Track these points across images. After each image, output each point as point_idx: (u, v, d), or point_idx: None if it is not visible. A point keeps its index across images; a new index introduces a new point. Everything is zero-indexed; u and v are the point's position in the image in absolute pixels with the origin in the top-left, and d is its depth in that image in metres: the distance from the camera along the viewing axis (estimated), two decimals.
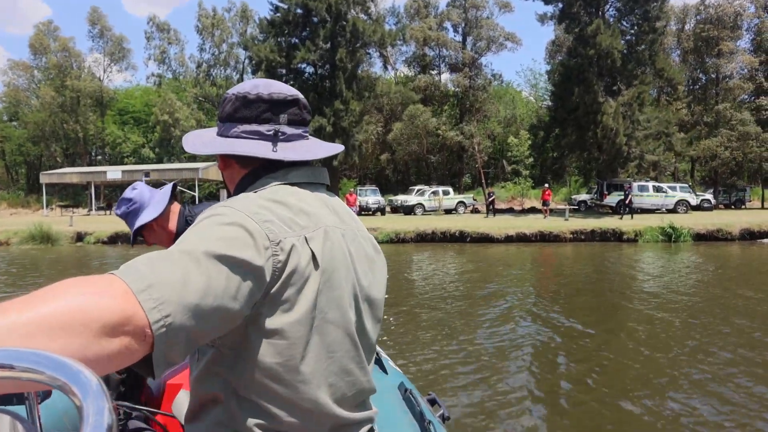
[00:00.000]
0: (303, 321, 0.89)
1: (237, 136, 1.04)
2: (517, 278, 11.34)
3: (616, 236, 19.02)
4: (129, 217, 2.03)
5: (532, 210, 30.78)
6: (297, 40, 29.81)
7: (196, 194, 37.24)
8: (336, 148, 1.13)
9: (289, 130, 1.05)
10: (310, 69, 31.11)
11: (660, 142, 26.92)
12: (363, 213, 26.77)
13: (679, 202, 26.57)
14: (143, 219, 2.00)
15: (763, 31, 35.71)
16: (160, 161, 48.97)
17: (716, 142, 33.04)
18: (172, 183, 2.18)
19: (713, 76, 36.49)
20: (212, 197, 44.22)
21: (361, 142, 28.22)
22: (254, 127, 1.03)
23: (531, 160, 38.36)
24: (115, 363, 0.64)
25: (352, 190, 23.06)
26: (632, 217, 22.77)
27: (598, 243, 18.81)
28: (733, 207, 33.22)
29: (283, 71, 30.54)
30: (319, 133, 27.05)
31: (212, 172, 37.95)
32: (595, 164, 28.69)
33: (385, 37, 29.06)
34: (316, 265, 0.91)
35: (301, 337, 0.90)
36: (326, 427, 0.96)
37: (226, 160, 1.08)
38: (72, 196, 47.16)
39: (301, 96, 1.09)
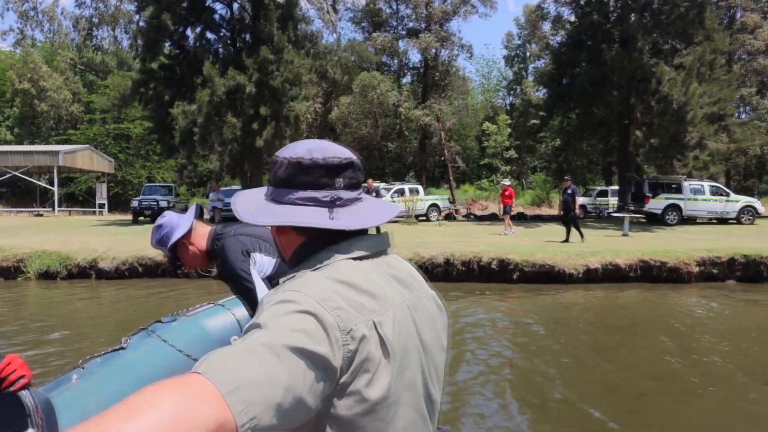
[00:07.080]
0: (376, 410, 0.86)
1: (293, 203, 0.99)
2: None
3: None
4: (163, 242, 2.17)
5: (525, 217, 22.57)
6: None
7: (56, 188, 26.25)
8: (393, 208, 1.07)
9: (346, 195, 1.00)
10: (223, 9, 21.39)
11: (716, 127, 19.58)
12: None
13: (743, 210, 19.40)
14: (174, 237, 2.14)
15: None
16: (20, 144, 36.91)
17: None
18: (195, 204, 2.28)
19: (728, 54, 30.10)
20: (119, 195, 32.86)
21: (298, 113, 18.83)
22: (310, 193, 0.99)
23: (512, 152, 30.48)
24: None
25: None
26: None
27: (740, 283, 10.74)
28: None
29: (183, 11, 20.60)
30: (237, 96, 17.45)
31: (78, 159, 26.82)
32: (624, 154, 20.99)
33: None
34: (386, 352, 0.87)
35: (373, 425, 0.87)
36: None
37: (281, 226, 1.03)
38: None
39: (355, 158, 1.03)
